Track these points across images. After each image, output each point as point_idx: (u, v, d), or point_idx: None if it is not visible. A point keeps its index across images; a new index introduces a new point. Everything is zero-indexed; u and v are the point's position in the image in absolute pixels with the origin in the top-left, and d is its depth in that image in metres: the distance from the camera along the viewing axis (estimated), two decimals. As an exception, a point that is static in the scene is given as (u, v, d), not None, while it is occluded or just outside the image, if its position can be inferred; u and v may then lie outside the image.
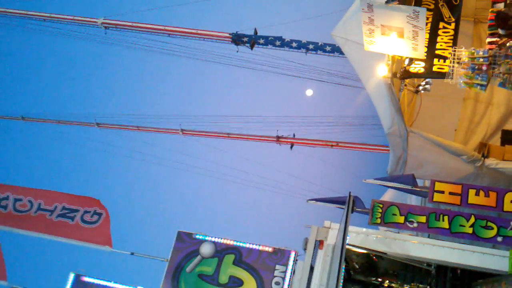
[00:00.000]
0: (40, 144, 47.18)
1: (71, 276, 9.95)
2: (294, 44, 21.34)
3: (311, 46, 21.24)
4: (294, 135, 24.27)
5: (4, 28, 26.52)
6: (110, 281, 9.89)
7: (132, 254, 10.44)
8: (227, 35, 21.97)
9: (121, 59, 50.21)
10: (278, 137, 24.39)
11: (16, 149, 51.73)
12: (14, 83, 54.67)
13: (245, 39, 21.96)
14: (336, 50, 20.33)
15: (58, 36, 25.44)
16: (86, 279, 9.97)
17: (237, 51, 22.39)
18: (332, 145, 23.38)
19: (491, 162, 10.09)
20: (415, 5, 9.15)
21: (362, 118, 23.09)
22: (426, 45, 8.93)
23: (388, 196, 13.42)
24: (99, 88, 55.49)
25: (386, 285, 11.02)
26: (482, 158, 10.10)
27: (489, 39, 9.11)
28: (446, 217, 8.26)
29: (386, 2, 8.12)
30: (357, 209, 8.71)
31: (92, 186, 49.05)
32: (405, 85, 10.46)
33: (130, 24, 22.54)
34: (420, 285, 10.37)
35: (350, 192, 8.12)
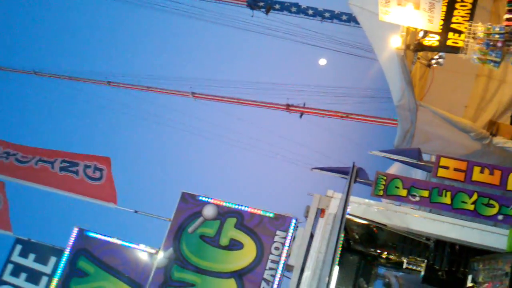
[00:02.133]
0: (50, 100, 47.37)
1: (75, 230, 10.10)
2: (310, 11, 21.10)
3: (327, 14, 21.00)
4: (304, 104, 24.19)
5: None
6: (113, 237, 10.05)
7: (135, 212, 10.57)
8: (243, -2, 21.79)
9: (136, 19, 49.94)
10: (288, 105, 24.32)
11: (26, 104, 52.07)
12: (29, 38, 54.68)
13: (261, 3, 21.74)
14: (352, 19, 20.08)
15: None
16: (90, 234, 10.13)
17: (252, 16, 22.19)
18: (342, 116, 23.30)
19: (499, 140, 10.02)
20: (433, -24, 8.94)
21: (373, 90, 22.94)
22: (442, 18, 8.77)
23: (394, 169, 13.38)
24: (112, 47, 55.37)
25: (384, 256, 11.11)
26: (490, 136, 10.02)
27: (507, 16, 8.91)
28: (449, 193, 8.24)
29: (404, -28, 7.95)
30: (360, 180, 8.71)
31: (99, 144, 49.42)
32: (418, 58, 10.30)
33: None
34: (418, 258, 10.44)
35: (354, 163, 8.11)
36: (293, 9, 21.32)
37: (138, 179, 47.93)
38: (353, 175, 8.01)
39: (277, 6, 21.58)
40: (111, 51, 54.28)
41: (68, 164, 10.74)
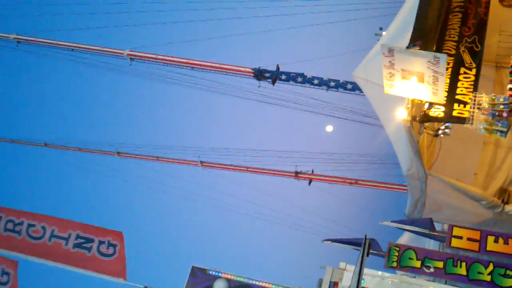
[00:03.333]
0: (60, 172, 47.70)
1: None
2: (315, 81, 21.47)
3: (332, 84, 21.34)
4: (312, 171, 24.24)
5: (33, 56, 27.23)
6: (123, 314, 9.90)
7: (145, 287, 10.44)
8: (250, 70, 22.22)
9: (143, 91, 50.99)
10: (296, 173, 24.38)
11: (36, 175, 52.42)
12: (39, 110, 55.78)
13: (267, 74, 22.17)
14: (357, 88, 20.39)
15: (85, 66, 26.07)
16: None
17: (259, 86, 22.58)
18: (351, 183, 23.28)
19: (511, 208, 9.95)
20: (436, 51, 9.20)
21: (381, 157, 23.01)
22: (446, 90, 8.95)
23: (405, 239, 13.25)
24: (121, 118, 56.29)
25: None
26: (502, 204, 9.97)
27: (510, 86, 9.11)
28: (464, 263, 8.14)
29: (407, 47, 8.20)
30: (373, 252, 8.63)
31: (109, 215, 49.25)
32: (425, 128, 10.43)
33: (154, 56, 22.99)
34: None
35: (366, 235, 8.07)
36: (299, 79, 21.72)
37: (148, 252, 47.41)
38: (365, 248, 7.95)
39: (283, 77, 22.02)
40: (120, 122, 55.21)
41: (83, 240, 10.74)
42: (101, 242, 10.70)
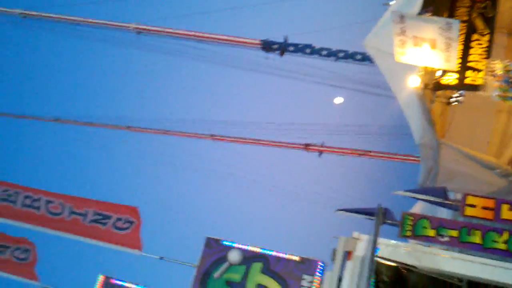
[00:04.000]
0: (70, 146, 48.03)
1: (100, 278, 10.12)
2: (324, 52, 21.26)
3: (341, 54, 21.14)
4: (323, 143, 24.19)
5: (39, 31, 27.18)
6: (139, 285, 10.03)
7: (161, 258, 10.59)
8: (257, 41, 22.04)
9: (151, 64, 50.85)
10: (306, 145, 24.34)
11: (47, 151, 52.82)
12: (48, 85, 55.91)
13: (275, 46, 21.98)
14: (366, 58, 20.18)
15: (91, 40, 25.98)
16: (115, 281, 10.13)
17: (267, 58, 22.43)
18: (361, 154, 23.23)
19: (525, 176, 9.92)
20: (448, 16, 9.06)
21: (392, 128, 22.89)
22: (459, 56, 8.84)
23: (418, 208, 13.21)
24: (130, 92, 56.32)
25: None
26: (516, 172, 9.93)
27: (524, 52, 8.99)
28: (478, 232, 8.10)
29: (419, 14, 8.07)
30: (387, 221, 8.63)
31: (122, 189, 49.70)
32: (437, 96, 10.34)
33: (161, 29, 22.83)
34: (450, 300, 10.20)
35: (380, 204, 8.06)
36: (307, 50, 21.52)
37: (162, 224, 47.91)
38: (380, 217, 7.95)
39: (291, 48, 21.82)
40: (130, 96, 55.28)
41: (100, 217, 10.87)
42: (118, 219, 10.83)
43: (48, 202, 11.25)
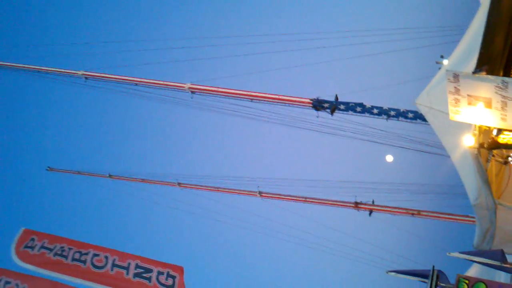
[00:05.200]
0: (123, 203, 48.99)
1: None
2: (375, 111, 21.21)
3: (392, 113, 21.03)
4: (373, 201, 23.82)
5: (98, 91, 28.37)
6: None
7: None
8: (308, 100, 22.23)
9: (204, 123, 51.99)
10: (356, 203, 24.02)
11: (100, 206, 54.03)
12: (104, 143, 57.88)
13: (326, 104, 22.07)
14: (419, 117, 20.02)
15: (148, 100, 26.88)
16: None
17: (318, 117, 22.51)
18: (413, 214, 22.69)
19: None
20: (503, 75, 8.97)
21: (445, 187, 22.34)
22: (516, 115, 8.66)
23: (474, 271, 12.70)
24: (182, 149, 57.50)
25: None
26: None
27: None
28: (539, 298, 7.72)
29: (473, 72, 8.03)
30: (441, 284, 8.33)
31: (169, 245, 49.94)
32: (493, 155, 10.12)
33: (214, 89, 23.41)
34: None
35: (433, 266, 7.81)
36: (358, 109, 21.52)
37: (207, 283, 47.60)
38: (433, 279, 7.69)
39: (342, 107, 21.88)
40: (180, 153, 56.45)
41: (142, 270, 10.94)
42: (160, 273, 10.85)
43: (95, 255, 11.46)
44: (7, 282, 11.50)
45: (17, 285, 11.40)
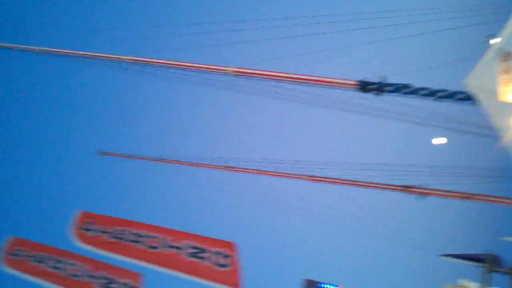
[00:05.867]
0: (175, 186, 49.93)
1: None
2: (423, 92, 20.72)
3: (441, 94, 20.51)
4: (423, 185, 23.44)
5: (145, 76, 28.84)
6: None
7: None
8: (354, 82, 21.90)
9: (249, 107, 52.16)
10: (406, 187, 23.69)
11: (153, 189, 55.28)
12: (155, 128, 59.05)
13: (373, 86, 21.71)
14: (468, 98, 19.47)
15: (192, 84, 27.15)
16: None
17: (364, 99, 22.20)
18: (465, 197, 22.20)
19: None
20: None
21: (498, 170, 21.70)
22: None
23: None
24: (228, 133, 57.96)
25: None
26: None
27: None
28: None
29: (525, 52, 7.76)
30: (497, 269, 8.14)
31: (221, 227, 50.65)
32: (547, 136, 9.76)
33: (258, 72, 23.37)
34: None
35: (490, 250, 7.64)
36: (406, 90, 21.07)
37: (258, 265, 48.06)
38: (489, 264, 7.53)
39: (389, 88, 21.44)
40: (229, 137, 56.96)
41: (196, 250, 11.21)
42: (214, 252, 11.08)
43: (150, 236, 11.81)
44: (71, 264, 12.09)
45: (82, 267, 11.97)
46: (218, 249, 11.09)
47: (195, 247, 11.26)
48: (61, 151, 55.92)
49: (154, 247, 11.56)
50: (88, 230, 12.21)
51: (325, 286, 9.66)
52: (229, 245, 11.14)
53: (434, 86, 20.79)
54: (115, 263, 12.16)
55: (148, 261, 11.42)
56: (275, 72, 22.96)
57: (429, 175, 23.60)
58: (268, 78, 23.25)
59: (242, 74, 23.58)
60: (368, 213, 31.06)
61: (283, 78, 22.88)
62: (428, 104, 21.13)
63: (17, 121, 58.52)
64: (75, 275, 12.03)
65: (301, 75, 22.69)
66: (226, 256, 11.00)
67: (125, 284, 11.75)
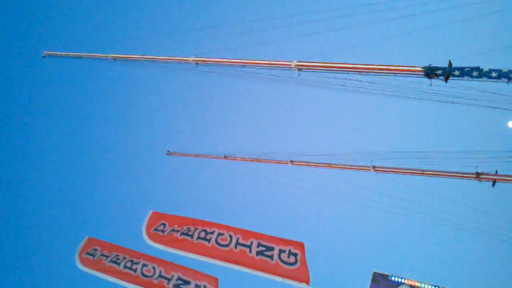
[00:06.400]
0: (239, 182, 50.50)
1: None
2: (493, 74, 19.90)
3: (514, 75, 19.64)
4: (496, 171, 22.57)
5: (207, 76, 29.27)
6: None
7: (328, 292, 10.55)
8: (420, 68, 21.31)
9: (312, 100, 51.92)
10: (478, 174, 22.92)
11: (218, 186, 56.16)
12: (217, 125, 59.91)
13: (439, 71, 21.07)
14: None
15: (256, 80, 27.27)
16: None
17: (431, 85, 21.60)
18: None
19: None
20: None
21: None
22: None
23: None
24: (292, 127, 57.96)
25: None
26: None
27: None
28: None
29: None
30: None
31: (287, 222, 50.80)
32: None
33: (321, 64, 23.16)
34: None
35: None
36: (475, 73, 20.27)
37: (327, 259, 47.87)
38: None
39: (457, 73, 20.73)
40: (293, 131, 56.98)
41: (264, 248, 11.28)
42: (281, 251, 11.11)
43: (220, 234, 11.96)
44: (144, 265, 12.48)
45: (153, 268, 12.33)
46: (286, 247, 11.12)
47: (263, 245, 11.34)
48: (133, 152, 57.83)
49: (224, 245, 11.71)
50: (159, 230, 12.53)
51: (395, 279, 9.42)
52: (297, 244, 11.15)
53: (507, 67, 19.96)
54: (188, 264, 12.41)
55: (219, 258, 11.57)
56: (338, 63, 22.70)
57: (502, 161, 22.68)
58: (331, 70, 23.03)
59: (305, 67, 23.47)
60: (437, 203, 30.23)
61: (346, 69, 22.60)
62: (500, 86, 20.31)
63: (92, 125, 60.92)
64: (148, 276, 12.33)
65: (365, 64, 22.35)
66: (294, 254, 11.01)
67: (199, 286, 11.92)
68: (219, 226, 12.05)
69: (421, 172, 24.68)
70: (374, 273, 9.85)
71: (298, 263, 10.89)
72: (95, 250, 13.09)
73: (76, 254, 13.00)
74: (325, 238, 51.22)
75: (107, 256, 12.84)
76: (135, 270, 12.43)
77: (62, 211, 55.91)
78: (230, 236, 11.83)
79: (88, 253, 13.04)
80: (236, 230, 11.80)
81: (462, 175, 23.61)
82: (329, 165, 27.97)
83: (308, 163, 29.06)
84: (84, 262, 12.85)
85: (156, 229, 12.47)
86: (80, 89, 60.33)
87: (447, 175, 24.08)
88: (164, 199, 54.05)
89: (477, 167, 22.92)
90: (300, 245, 11.14)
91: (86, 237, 13.50)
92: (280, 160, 30.44)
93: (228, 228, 11.92)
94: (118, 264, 12.63)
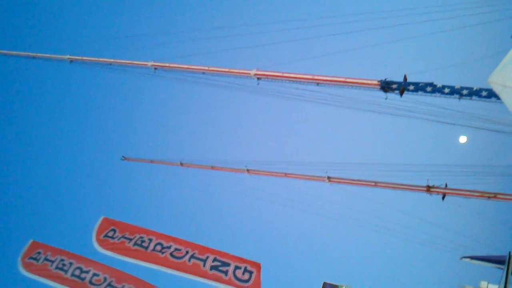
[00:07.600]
0: (194, 190, 50.17)
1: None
2: (446, 90, 20.46)
3: (465, 92, 20.23)
4: (446, 185, 23.11)
5: (166, 81, 29.04)
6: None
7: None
8: (376, 82, 21.72)
9: (269, 109, 52.15)
10: (429, 187, 23.40)
11: (173, 194, 55.58)
12: (174, 132, 59.41)
13: (394, 85, 21.51)
14: (492, 95, 19.16)
15: (215, 88, 27.22)
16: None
17: (386, 98, 22.01)
18: (489, 197, 21.83)
19: None
20: None
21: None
22: None
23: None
24: (249, 135, 58.03)
25: None
26: None
27: None
28: None
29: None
30: (518, 270, 7.94)
31: (240, 233, 50.71)
32: None
33: (280, 74, 23.32)
34: None
35: (510, 252, 7.47)
36: (428, 88, 20.82)
37: (278, 267, 47.99)
38: (510, 265, 7.35)
39: (411, 87, 21.23)
40: (248, 140, 56.99)
41: (219, 264, 11.19)
42: (237, 267, 11.05)
43: (176, 249, 11.80)
44: (95, 274, 12.05)
45: (105, 278, 11.93)
46: (242, 265, 11.06)
47: (219, 261, 11.26)
48: (86, 156, 56.66)
49: (178, 257, 11.56)
50: (109, 236, 12.22)
51: (345, 288, 9.54)
52: (253, 263, 11.10)
53: (459, 83, 20.52)
54: (137, 274, 12.07)
55: (171, 267, 11.40)
56: (297, 74, 22.90)
57: (452, 175, 23.27)
58: (290, 80, 23.20)
59: (264, 76, 23.58)
60: (387, 214, 30.77)
61: (305, 80, 22.80)
62: (452, 102, 20.86)
63: (42, 127, 59.40)
64: (96, 285, 11.87)
65: (323, 76, 22.60)
66: (249, 272, 10.97)
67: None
68: (177, 240, 11.87)
69: (374, 184, 25.04)
70: (324, 283, 9.90)
71: (252, 281, 10.85)
72: (39, 253, 12.44)
73: (19, 258, 12.37)
74: (276, 248, 51.42)
75: (52, 261, 12.30)
76: (83, 279, 12.00)
77: (8, 215, 54.15)
78: (187, 251, 11.70)
79: (31, 257, 12.41)
80: (194, 246, 11.66)
81: (414, 188, 24.05)
82: (285, 175, 28.08)
83: (264, 172, 29.10)
84: (27, 267, 12.23)
85: (106, 235, 12.16)
86: (33, 91, 58.79)
87: (399, 187, 24.50)
88: (117, 205, 53.11)
89: (428, 180, 23.40)
90: (257, 265, 11.11)
91: (30, 240, 12.85)
92: (237, 169, 30.35)
93: (186, 244, 11.76)
94: (65, 271, 12.14)
